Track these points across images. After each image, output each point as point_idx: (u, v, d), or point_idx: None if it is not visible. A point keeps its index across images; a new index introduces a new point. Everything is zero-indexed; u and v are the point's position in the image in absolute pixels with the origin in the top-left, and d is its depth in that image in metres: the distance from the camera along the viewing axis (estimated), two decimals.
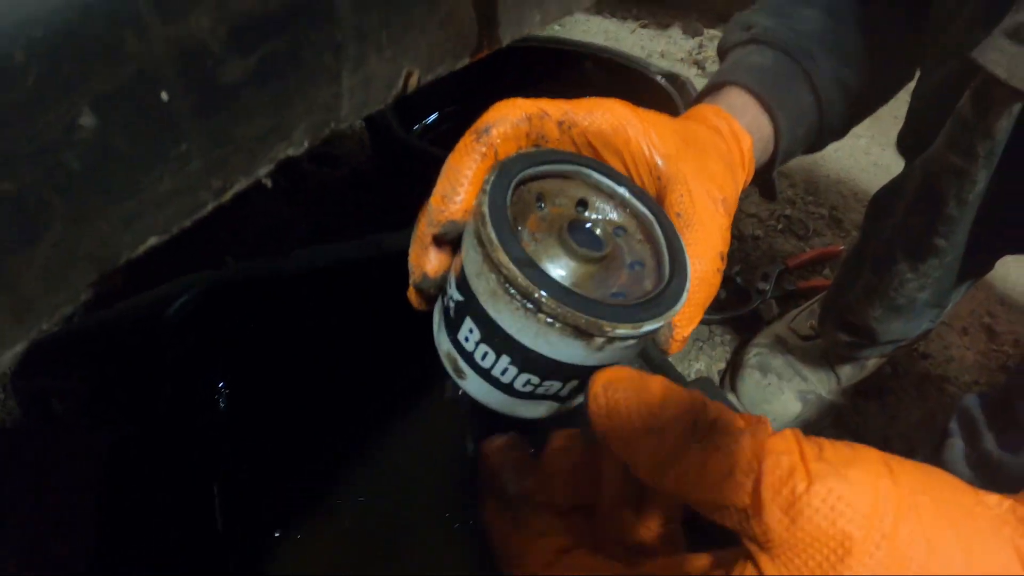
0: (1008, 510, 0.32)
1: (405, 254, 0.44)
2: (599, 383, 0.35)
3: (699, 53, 2.48)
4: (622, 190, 0.44)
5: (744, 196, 0.73)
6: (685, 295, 0.39)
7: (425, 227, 0.42)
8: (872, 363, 1.16)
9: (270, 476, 0.75)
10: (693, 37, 2.62)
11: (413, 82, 0.28)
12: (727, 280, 1.38)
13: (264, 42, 0.21)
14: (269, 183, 0.24)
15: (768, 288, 1.35)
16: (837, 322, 1.02)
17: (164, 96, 0.19)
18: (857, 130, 0.88)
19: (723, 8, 3.24)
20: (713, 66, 2.39)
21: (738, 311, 1.31)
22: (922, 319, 0.96)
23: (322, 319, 0.79)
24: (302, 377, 0.80)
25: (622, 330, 0.36)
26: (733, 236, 1.49)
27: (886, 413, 1.19)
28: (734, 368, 1.18)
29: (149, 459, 0.69)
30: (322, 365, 0.80)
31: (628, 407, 0.34)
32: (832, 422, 1.15)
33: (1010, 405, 0.74)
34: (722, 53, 0.81)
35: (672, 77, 1.42)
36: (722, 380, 1.20)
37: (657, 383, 0.35)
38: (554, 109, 0.44)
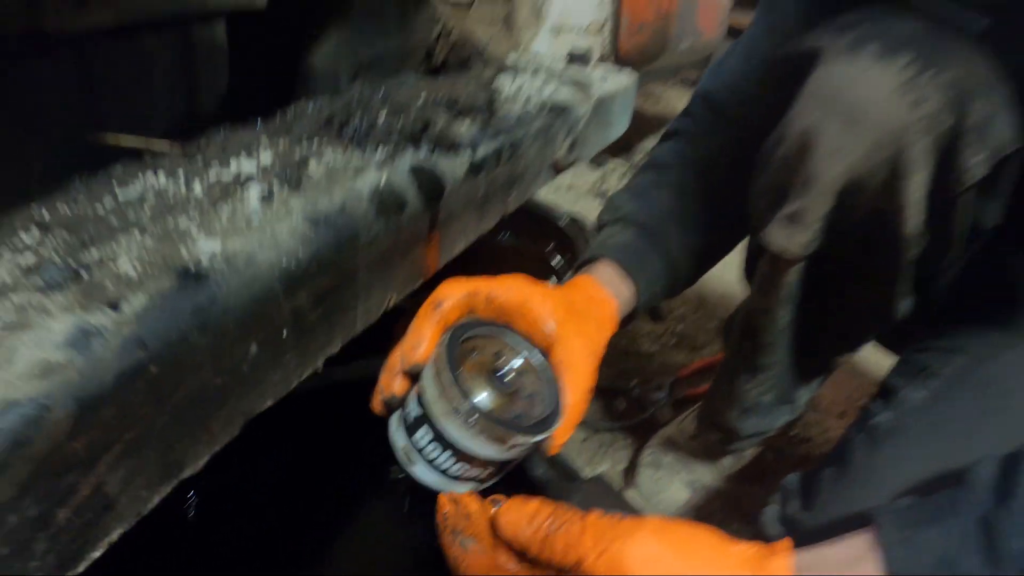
0: (753, 552, 0.54)
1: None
2: (502, 512, 0.59)
3: (602, 185, 2.78)
4: (524, 347, 0.66)
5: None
6: (560, 420, 0.63)
7: (397, 364, 0.63)
8: (749, 452, 1.38)
9: None
10: (598, 168, 2.93)
11: (392, 302, 0.50)
12: (627, 393, 1.60)
13: (326, 299, 0.42)
14: (321, 370, 0.45)
15: (662, 397, 1.58)
16: (709, 424, 1.25)
17: (284, 333, 0.40)
18: (742, 246, 1.14)
19: (623, 140, 3.58)
20: None
21: (636, 420, 1.52)
22: (776, 415, 1.19)
23: (281, 438, 0.97)
24: (263, 487, 0.97)
25: (521, 439, 0.58)
26: (633, 354, 1.73)
27: (770, 494, 1.40)
28: (632, 468, 1.38)
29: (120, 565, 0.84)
30: (280, 477, 0.97)
31: (517, 520, 0.58)
32: (720, 505, 1.35)
33: (817, 475, 0.97)
34: (599, 226, 1.05)
35: (573, 220, 1.66)
36: (624, 477, 1.40)
37: (534, 503, 0.59)
38: (483, 288, 0.67)
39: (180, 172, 0.50)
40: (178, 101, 0.79)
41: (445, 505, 0.62)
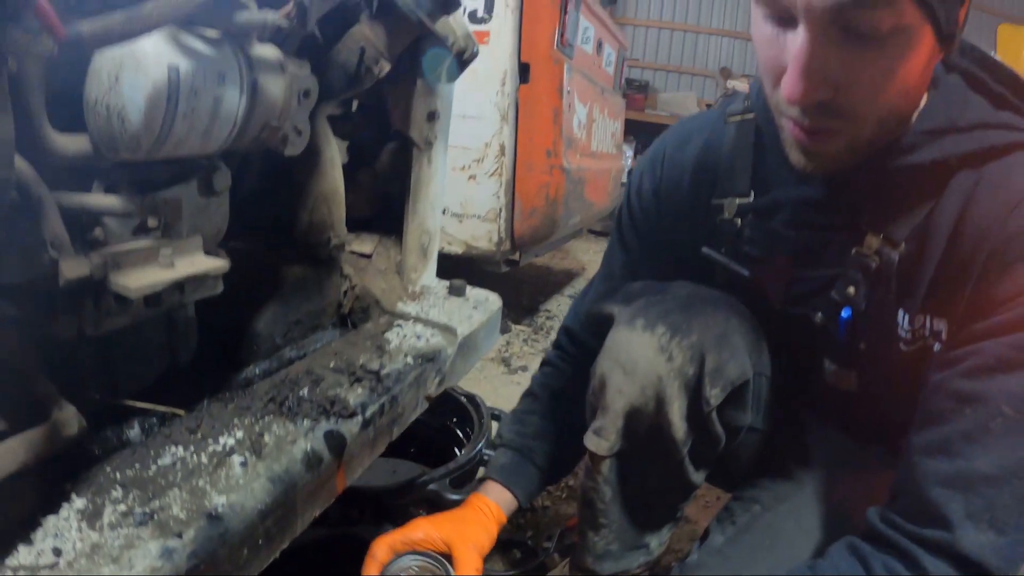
0: None
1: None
2: None
3: (506, 351, 3.26)
4: (433, 559, 1.14)
5: None
6: None
7: None
8: None
9: None
10: (502, 335, 3.42)
11: (317, 513, 0.94)
12: (521, 543, 2.03)
13: (280, 521, 0.87)
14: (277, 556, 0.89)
15: (551, 545, 2.01)
16: (576, 567, 1.69)
17: (260, 541, 0.84)
18: None
19: (529, 303, 4.11)
20: (518, 361, 3.17)
21: (529, 567, 1.95)
22: (630, 559, 1.62)
23: None
24: None
25: None
26: (529, 509, 2.17)
27: None
28: None
29: None
30: None
31: None
32: None
33: None
34: (495, 446, 1.57)
35: (470, 398, 2.13)
36: None
37: None
38: (400, 536, 1.20)
39: (191, 446, 0.94)
40: (163, 360, 1.21)
41: None
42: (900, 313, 1.20)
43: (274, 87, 1.03)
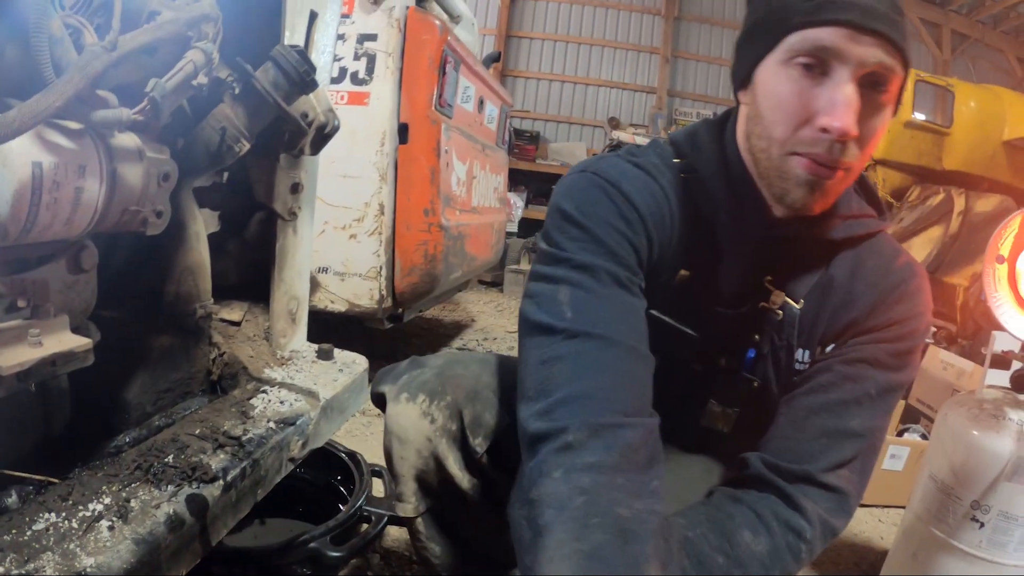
0: None
1: None
2: None
3: None
4: None
5: None
6: None
7: None
8: None
9: None
10: None
11: (186, 570, 1.06)
12: None
13: None
14: None
15: None
16: None
17: None
18: None
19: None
20: None
21: None
22: None
23: None
24: None
25: None
26: None
27: None
28: None
29: None
30: None
31: None
32: None
33: None
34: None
35: (352, 455, 2.24)
36: None
37: None
38: None
39: (63, 512, 1.06)
40: (39, 431, 1.31)
41: None
42: (800, 351, 1.47)
43: (132, 174, 1.16)
